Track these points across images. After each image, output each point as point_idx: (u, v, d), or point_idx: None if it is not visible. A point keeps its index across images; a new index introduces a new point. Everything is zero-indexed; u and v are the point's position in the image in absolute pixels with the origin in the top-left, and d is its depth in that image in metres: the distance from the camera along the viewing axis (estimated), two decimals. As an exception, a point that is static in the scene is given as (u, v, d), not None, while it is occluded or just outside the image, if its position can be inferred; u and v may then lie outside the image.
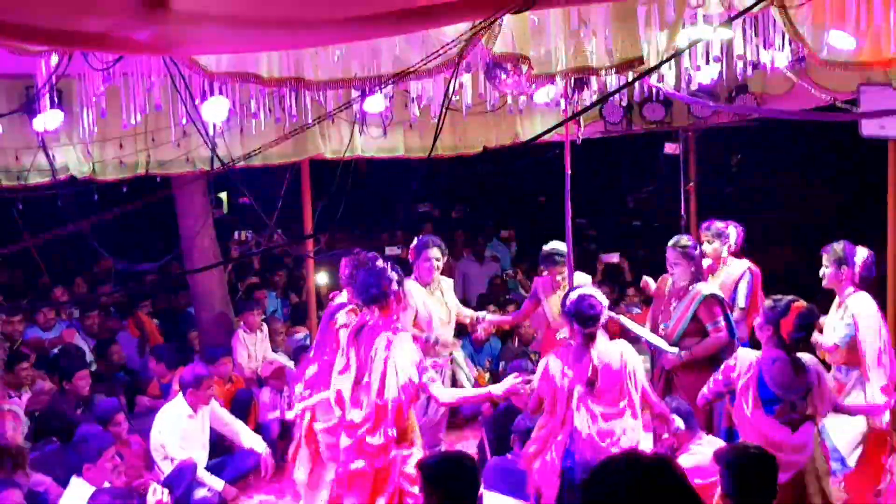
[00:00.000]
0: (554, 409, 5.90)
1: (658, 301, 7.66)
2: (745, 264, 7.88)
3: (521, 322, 9.24)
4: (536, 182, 15.41)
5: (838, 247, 6.97)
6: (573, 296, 5.94)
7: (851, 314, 6.83)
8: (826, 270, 7.02)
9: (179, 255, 10.08)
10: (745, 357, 5.98)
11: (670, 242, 7.44)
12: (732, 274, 7.83)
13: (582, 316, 5.83)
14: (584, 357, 5.85)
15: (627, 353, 5.91)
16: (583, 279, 8.21)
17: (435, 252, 7.81)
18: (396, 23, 4.15)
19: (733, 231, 7.91)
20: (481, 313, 8.54)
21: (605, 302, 5.96)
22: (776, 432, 5.72)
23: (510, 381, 5.95)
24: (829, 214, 11.53)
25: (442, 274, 8.01)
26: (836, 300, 7.11)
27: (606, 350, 5.88)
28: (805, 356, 5.91)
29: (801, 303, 5.88)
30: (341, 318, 6.71)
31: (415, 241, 7.96)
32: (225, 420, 7.98)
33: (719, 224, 7.90)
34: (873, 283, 7.13)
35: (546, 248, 8.36)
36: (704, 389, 6.26)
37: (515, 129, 10.03)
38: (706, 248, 7.87)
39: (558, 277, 8.21)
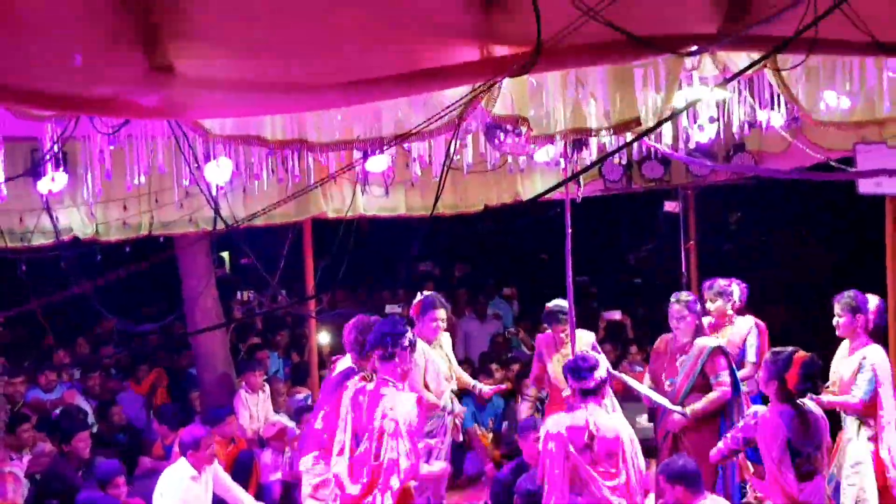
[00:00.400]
0: (553, 471, 5.86)
1: (658, 359, 7.63)
2: (750, 320, 7.90)
3: (540, 386, 9.09)
4: (537, 240, 15.44)
5: (850, 295, 6.96)
6: (573, 357, 5.99)
7: (871, 366, 6.80)
8: (840, 319, 6.97)
9: (182, 315, 10.09)
10: (761, 413, 5.93)
11: (672, 298, 7.47)
12: (739, 331, 7.84)
13: (577, 370, 5.87)
14: (581, 422, 5.84)
15: (624, 428, 5.92)
16: (586, 337, 8.23)
17: (441, 313, 7.78)
18: (398, 86, 4.22)
19: (736, 289, 7.93)
20: (476, 384, 8.38)
21: (604, 361, 5.97)
22: (795, 487, 5.71)
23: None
24: (825, 272, 11.56)
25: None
26: (841, 351, 7.09)
27: (606, 421, 5.89)
28: (812, 406, 5.91)
29: (803, 353, 5.88)
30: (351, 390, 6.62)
31: (418, 298, 7.92)
32: (227, 485, 7.91)
33: (722, 282, 7.92)
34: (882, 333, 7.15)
35: (549, 305, 8.36)
36: (720, 444, 6.22)
37: (516, 187, 10.11)
38: (709, 306, 7.89)
39: (562, 335, 8.20)
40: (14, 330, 12.54)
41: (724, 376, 7.16)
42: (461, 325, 12.93)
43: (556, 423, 5.93)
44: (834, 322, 7.03)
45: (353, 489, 5.84)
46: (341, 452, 5.98)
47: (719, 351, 7.23)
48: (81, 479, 7.93)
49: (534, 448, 7.06)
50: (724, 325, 7.90)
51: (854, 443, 6.89)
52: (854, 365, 6.88)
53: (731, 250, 13.90)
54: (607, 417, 5.94)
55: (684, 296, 7.47)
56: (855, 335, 6.96)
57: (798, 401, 5.85)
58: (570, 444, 5.79)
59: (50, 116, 4.95)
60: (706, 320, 7.78)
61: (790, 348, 5.96)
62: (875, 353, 6.85)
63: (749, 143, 9.47)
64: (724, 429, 7.11)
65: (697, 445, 6.91)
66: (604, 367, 5.97)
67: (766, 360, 6.05)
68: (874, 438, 6.84)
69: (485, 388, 8.37)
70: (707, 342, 7.28)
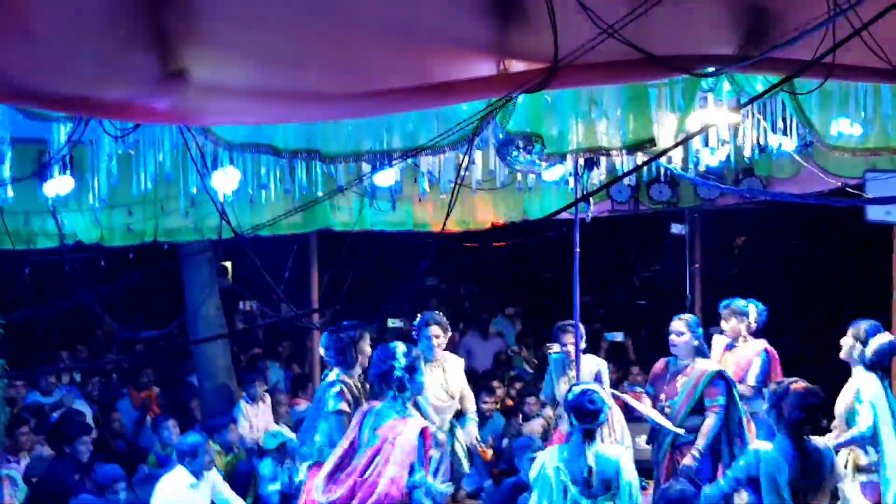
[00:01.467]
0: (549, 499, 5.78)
1: (656, 381, 7.60)
2: (762, 344, 7.80)
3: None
4: (543, 259, 15.42)
5: (864, 325, 6.91)
6: (575, 390, 5.88)
7: (869, 400, 6.72)
8: (846, 342, 6.95)
9: (184, 323, 10.05)
10: (762, 450, 5.78)
11: (675, 318, 7.45)
12: (747, 353, 7.77)
13: (581, 411, 5.76)
14: (580, 455, 5.76)
15: (625, 461, 5.83)
16: (595, 363, 8.20)
17: (434, 329, 7.67)
18: (412, 99, 4.19)
19: (753, 310, 7.86)
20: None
21: (610, 402, 5.91)
22: None
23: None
24: (833, 298, 11.51)
25: (445, 349, 7.94)
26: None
27: (604, 450, 5.83)
28: (817, 442, 5.76)
29: (801, 383, 5.73)
30: (331, 402, 6.54)
31: (418, 319, 7.88)
32: (225, 494, 7.86)
33: (740, 302, 7.87)
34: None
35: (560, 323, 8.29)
36: (721, 483, 6.05)
37: (523, 206, 10.09)
38: (724, 325, 7.85)
39: (569, 347, 8.14)
40: (15, 332, 12.48)
41: (720, 400, 7.15)
42: (464, 342, 12.89)
43: (553, 456, 5.86)
44: (841, 341, 6.98)
45: (322, 498, 5.77)
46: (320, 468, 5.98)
47: (720, 377, 7.21)
48: (79, 483, 7.89)
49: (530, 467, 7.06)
50: (736, 346, 7.82)
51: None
52: (853, 395, 6.81)
53: (737, 274, 13.85)
54: (604, 448, 5.89)
55: (686, 316, 7.50)
56: (854, 363, 6.93)
57: (804, 437, 5.66)
58: (568, 479, 5.71)
59: (61, 117, 4.92)
60: (724, 340, 7.79)
61: (791, 378, 5.85)
62: (868, 383, 6.78)
63: (758, 168, 9.46)
64: (723, 447, 7.16)
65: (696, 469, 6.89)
66: (607, 406, 5.89)
67: (770, 388, 5.99)
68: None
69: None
70: (708, 366, 7.26)
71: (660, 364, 7.64)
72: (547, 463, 5.83)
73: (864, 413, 6.72)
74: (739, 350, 7.82)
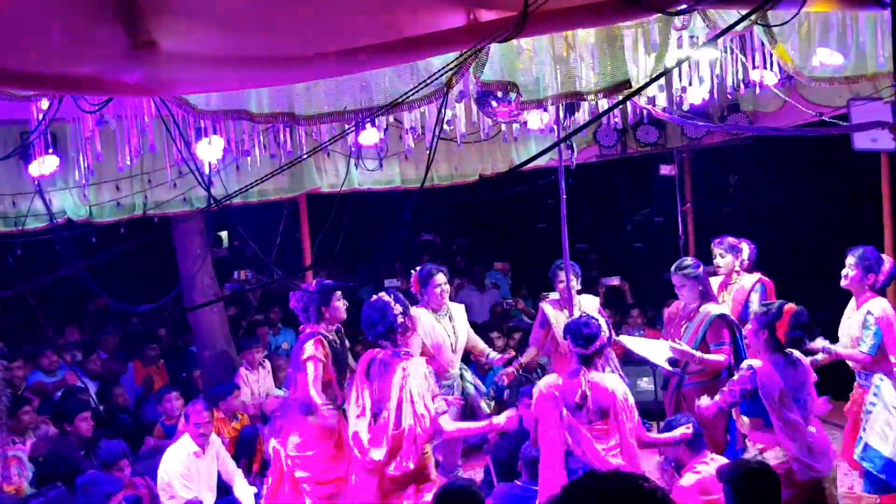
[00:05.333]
0: (547, 432, 5.90)
1: (669, 323, 7.66)
2: (755, 277, 7.96)
3: (536, 356, 9.17)
4: (535, 210, 15.43)
5: (866, 252, 6.92)
6: (576, 315, 6.07)
7: (876, 320, 6.76)
8: (850, 272, 6.90)
9: (180, 295, 10.07)
10: (762, 370, 5.97)
11: (672, 267, 7.45)
12: (744, 286, 7.91)
13: (577, 334, 5.89)
14: (575, 380, 5.88)
15: (618, 385, 5.95)
16: (590, 302, 8.28)
17: (441, 277, 7.92)
18: (384, 55, 4.18)
19: (746, 247, 8.03)
20: (490, 353, 8.54)
21: (605, 330, 5.97)
22: (804, 427, 5.86)
23: (510, 412, 6.26)
24: (825, 229, 11.52)
25: None
26: (849, 308, 7.07)
27: (600, 379, 5.91)
28: (799, 355, 6.09)
29: (792, 305, 6.04)
30: (309, 349, 6.76)
31: (415, 272, 8.00)
32: (225, 463, 7.90)
33: (731, 239, 8.03)
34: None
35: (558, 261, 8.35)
36: (717, 397, 6.26)
37: (511, 156, 10.06)
38: (718, 261, 8.00)
39: (560, 285, 8.21)
40: (11, 314, 12.50)
41: (724, 345, 7.18)
42: (460, 296, 12.90)
43: (548, 384, 5.98)
44: (843, 273, 6.95)
45: (377, 454, 6.05)
46: (361, 415, 6.15)
47: (722, 319, 7.24)
48: (85, 460, 7.95)
49: (530, 413, 7.12)
50: (731, 281, 7.98)
51: (885, 391, 6.82)
52: (860, 319, 6.85)
53: (730, 212, 13.87)
54: (601, 377, 5.97)
55: (685, 262, 7.47)
56: (862, 291, 6.93)
57: (787, 350, 6.01)
58: (563, 404, 5.83)
59: (34, 96, 4.89)
60: (717, 279, 7.84)
61: (780, 301, 6.17)
62: (878, 305, 6.81)
63: (743, 104, 9.44)
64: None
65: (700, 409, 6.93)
66: (605, 333, 5.97)
67: (757, 311, 6.21)
68: None
69: (493, 354, 8.50)
70: (711, 309, 7.28)
71: (672, 307, 7.70)
72: (543, 389, 5.96)
73: (868, 338, 6.76)
74: (735, 286, 7.94)
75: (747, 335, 6.35)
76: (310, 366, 6.67)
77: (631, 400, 5.95)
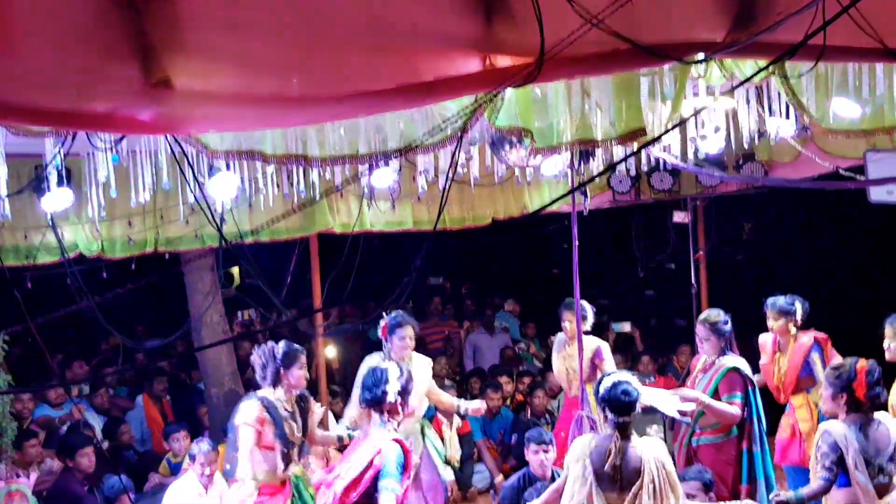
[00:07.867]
0: (570, 496, 5.52)
1: (688, 377, 7.56)
2: (809, 337, 7.56)
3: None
4: (548, 255, 15.41)
5: None
6: (607, 381, 5.56)
7: None
8: (893, 344, 6.62)
9: (188, 332, 10.05)
10: (837, 430, 5.68)
11: (700, 317, 7.35)
12: (801, 348, 7.54)
13: (615, 404, 5.46)
14: (608, 448, 5.43)
15: (660, 453, 5.48)
16: (595, 342, 8.21)
17: (409, 331, 7.55)
18: (399, 98, 4.16)
19: (799, 306, 7.58)
20: (460, 403, 7.96)
21: (642, 389, 5.61)
22: (873, 496, 5.53)
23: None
24: (842, 280, 11.45)
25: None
26: None
27: (635, 448, 5.46)
28: (882, 417, 5.75)
29: (864, 362, 5.74)
30: (244, 413, 6.41)
31: (384, 321, 7.60)
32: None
33: (784, 300, 7.57)
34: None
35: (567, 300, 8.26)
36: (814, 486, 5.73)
37: (524, 200, 10.07)
38: (771, 324, 7.60)
39: (566, 324, 8.14)
40: (21, 347, 12.49)
41: (737, 398, 7.02)
42: (470, 339, 12.85)
43: (582, 446, 5.57)
44: (885, 345, 6.65)
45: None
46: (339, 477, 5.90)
47: (736, 372, 7.08)
48: (88, 495, 7.89)
49: (537, 459, 7.02)
50: (787, 344, 7.61)
51: None
52: None
53: (743, 261, 13.79)
54: (638, 446, 5.49)
55: (713, 315, 7.27)
56: None
57: (868, 412, 5.69)
58: (592, 470, 5.44)
59: (47, 132, 4.89)
60: (768, 336, 7.66)
61: (850, 359, 5.81)
62: None
63: (759, 153, 9.43)
64: (743, 452, 7.04)
65: (711, 464, 6.84)
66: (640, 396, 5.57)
67: (828, 375, 5.86)
68: None
69: (469, 405, 7.94)
70: (725, 361, 7.14)
71: (696, 359, 7.55)
72: (576, 453, 5.56)
73: None
74: (791, 348, 7.60)
75: (823, 400, 5.95)
76: (243, 430, 6.32)
77: (668, 470, 5.45)
